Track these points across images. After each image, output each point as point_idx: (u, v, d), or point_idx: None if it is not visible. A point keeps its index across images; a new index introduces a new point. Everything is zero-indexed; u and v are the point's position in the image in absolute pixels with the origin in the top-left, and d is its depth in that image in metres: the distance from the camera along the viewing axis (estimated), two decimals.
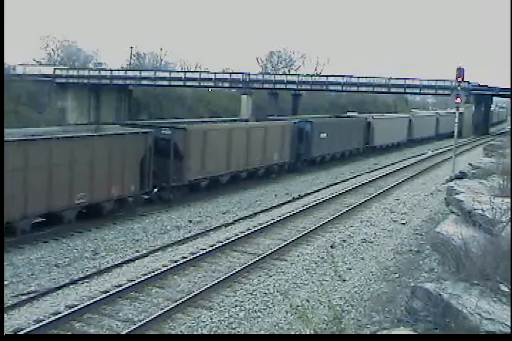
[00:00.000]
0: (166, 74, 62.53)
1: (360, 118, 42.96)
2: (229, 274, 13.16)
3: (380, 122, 45.37)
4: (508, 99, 74.15)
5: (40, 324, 10.20)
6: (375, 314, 11.07)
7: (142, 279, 12.68)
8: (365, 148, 42.22)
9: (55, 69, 62.49)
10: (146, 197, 20.58)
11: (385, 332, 8.51)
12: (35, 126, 33.25)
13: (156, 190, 21.07)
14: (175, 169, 21.42)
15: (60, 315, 10.59)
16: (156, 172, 20.65)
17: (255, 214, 20.70)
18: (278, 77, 63.42)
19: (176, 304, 11.33)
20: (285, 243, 15.91)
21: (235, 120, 33.16)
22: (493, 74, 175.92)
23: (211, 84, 62.23)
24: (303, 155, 32.32)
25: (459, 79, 27.48)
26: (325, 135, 34.06)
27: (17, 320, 10.64)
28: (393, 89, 61.35)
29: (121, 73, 63.80)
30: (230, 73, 64.17)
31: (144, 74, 62.37)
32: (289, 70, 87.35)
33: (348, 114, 50.23)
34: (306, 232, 17.21)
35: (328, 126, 35.39)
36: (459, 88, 28.11)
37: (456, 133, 28.92)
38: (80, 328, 10.43)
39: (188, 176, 22.23)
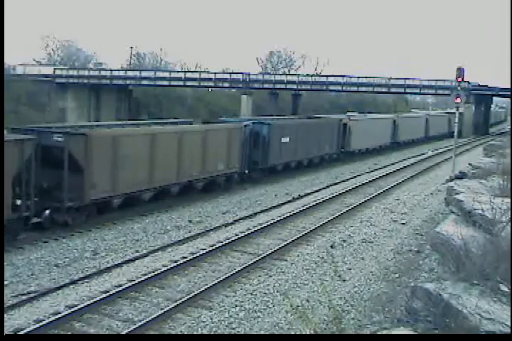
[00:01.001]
0: (166, 74, 62.62)
1: (334, 120, 38.18)
2: (229, 274, 13.16)
3: (359, 123, 40.66)
4: (508, 99, 74.18)
5: (40, 324, 10.19)
6: (375, 314, 11.07)
7: (142, 279, 12.67)
8: (340, 153, 37.65)
9: (55, 69, 62.58)
10: (35, 220, 16.29)
11: (385, 332, 8.51)
12: None
13: (47, 212, 16.74)
14: (72, 185, 16.91)
15: (60, 315, 10.57)
16: (46, 189, 16.74)
17: (255, 214, 20.69)
18: (278, 77, 63.56)
19: (175, 304, 11.33)
20: (285, 243, 15.91)
21: (163, 123, 26.36)
22: (493, 74, 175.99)
23: (211, 84, 62.32)
24: (259, 164, 27.52)
25: (459, 79, 27.49)
26: (287, 139, 29.38)
27: (17, 320, 10.64)
28: (393, 89, 61.44)
29: (121, 73, 63.91)
30: (230, 73, 64.27)
31: (144, 74, 62.47)
32: (289, 70, 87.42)
33: (348, 113, 49.64)
34: (306, 232, 17.21)
35: (292, 129, 30.54)
36: (459, 88, 28.12)
37: (456, 133, 28.94)
38: (80, 328, 10.42)
39: (92, 194, 17.67)
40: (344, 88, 61.59)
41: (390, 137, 47.62)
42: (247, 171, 26.54)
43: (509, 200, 12.78)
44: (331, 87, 61.79)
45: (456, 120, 28.75)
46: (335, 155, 36.84)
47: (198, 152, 22.55)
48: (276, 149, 28.39)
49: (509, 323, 7.59)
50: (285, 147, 29.28)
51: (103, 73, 63.47)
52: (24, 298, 11.88)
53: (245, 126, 26.06)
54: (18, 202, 15.48)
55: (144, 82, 61.67)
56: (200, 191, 23.33)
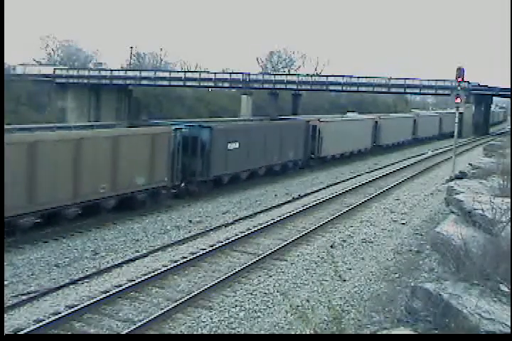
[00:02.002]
0: (166, 74, 62.60)
1: (300, 122, 33.78)
2: (229, 274, 13.16)
3: (332, 125, 36.09)
4: (508, 99, 74.17)
5: (40, 324, 10.19)
6: (375, 314, 11.07)
7: (142, 279, 12.67)
8: (309, 159, 33.28)
9: (55, 69, 62.56)
10: None
11: (385, 332, 8.52)
12: None
13: None
14: None
15: (60, 315, 10.58)
16: None
17: (255, 214, 20.69)
18: (278, 77, 63.49)
19: (175, 304, 11.33)
20: (285, 243, 15.91)
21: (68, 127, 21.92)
22: (493, 74, 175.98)
23: (211, 84, 62.29)
24: (198, 175, 23.14)
25: (459, 79, 27.50)
26: (236, 145, 25.06)
27: (17, 320, 10.64)
28: (393, 89, 61.42)
29: (121, 73, 63.89)
30: (230, 73, 64.23)
31: (144, 74, 62.44)
32: (289, 70, 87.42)
33: (348, 114, 49.40)
34: (306, 232, 17.20)
35: (242, 133, 26.20)
36: (459, 88, 28.13)
37: (456, 133, 28.95)
38: (80, 328, 10.42)
39: None
40: (344, 88, 61.53)
41: (370, 140, 43.31)
42: (182, 184, 22.51)
43: (509, 200, 12.78)
44: (331, 87, 61.75)
45: (456, 120, 28.75)
46: (301, 162, 32.27)
47: (105, 163, 18.01)
48: (220, 157, 23.96)
49: (509, 323, 7.59)
50: (233, 154, 24.83)
51: (103, 73, 63.45)
52: (24, 298, 11.88)
53: (176, 130, 21.52)
54: None
55: (144, 82, 61.65)
56: (112, 211, 18.93)
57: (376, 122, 44.35)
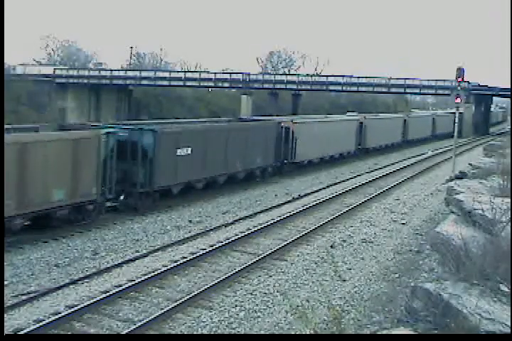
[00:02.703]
0: (166, 74, 62.63)
1: (269, 123, 29.85)
2: (229, 274, 13.16)
3: (308, 128, 32.60)
4: (508, 99, 74.18)
5: (40, 324, 10.19)
6: (375, 314, 11.07)
7: (142, 279, 12.67)
8: (281, 165, 30.02)
9: (55, 69, 62.58)
10: None
11: (385, 332, 8.52)
12: None
13: None
14: None
15: (60, 315, 10.58)
16: None
17: (255, 214, 20.69)
18: (278, 77, 63.55)
19: (175, 304, 11.33)
20: (285, 243, 15.91)
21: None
22: (493, 74, 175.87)
23: (211, 84, 62.33)
24: (139, 186, 19.87)
25: (459, 79, 27.52)
26: (188, 150, 21.80)
27: (17, 320, 10.64)
28: (393, 89, 61.46)
29: (121, 73, 63.93)
30: (230, 73, 64.27)
31: (144, 74, 62.49)
32: (289, 70, 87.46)
33: (348, 114, 48.73)
34: (306, 232, 17.20)
35: (196, 136, 22.69)
36: (459, 88, 28.15)
37: (456, 133, 28.97)
38: (80, 328, 10.42)
39: None
40: (344, 88, 61.57)
41: (355, 143, 39.89)
42: (121, 197, 19.77)
43: (509, 200, 12.78)
44: (331, 87, 61.79)
45: (457, 120, 28.77)
46: (271, 168, 28.93)
47: (8, 176, 15.01)
48: (167, 165, 20.74)
49: (509, 323, 7.59)
50: (184, 161, 21.61)
51: (103, 73, 63.49)
52: (24, 298, 11.88)
53: (109, 134, 18.32)
54: None
55: (144, 82, 61.68)
56: (21, 233, 16.02)
57: (361, 123, 40.74)
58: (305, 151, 31.60)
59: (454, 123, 29.09)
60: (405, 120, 51.34)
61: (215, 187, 24.11)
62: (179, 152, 21.41)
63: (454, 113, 30.24)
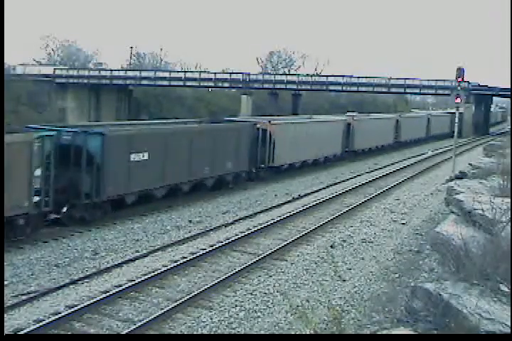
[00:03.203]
0: (166, 74, 62.65)
1: (242, 125, 27.29)
2: (229, 274, 13.16)
3: (289, 129, 30.60)
4: (508, 99, 74.16)
5: (40, 324, 10.20)
6: (375, 314, 11.07)
7: (142, 279, 12.67)
8: (258, 170, 27.95)
9: (55, 69, 62.60)
10: None
11: (385, 332, 8.51)
12: None
13: None
14: None
15: (60, 315, 10.58)
16: None
17: (255, 214, 20.69)
18: (278, 77, 63.58)
19: (176, 304, 11.33)
20: (285, 243, 15.91)
21: None
22: (493, 74, 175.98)
23: (211, 84, 62.35)
24: (84, 197, 17.85)
25: (459, 79, 27.52)
26: (144, 155, 19.68)
27: (17, 320, 10.64)
28: (393, 89, 61.48)
29: (121, 73, 63.95)
30: (230, 73, 64.29)
31: (144, 74, 62.50)
32: (289, 70, 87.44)
33: (348, 113, 48.27)
34: (306, 232, 17.20)
35: (154, 140, 20.38)
36: (459, 88, 28.14)
37: (456, 133, 28.99)
38: (80, 328, 10.43)
39: None
40: (344, 88, 61.59)
41: (341, 145, 37.62)
42: (64, 209, 17.73)
43: (509, 200, 12.78)
44: (331, 87, 61.80)
45: (457, 120, 28.79)
46: (246, 174, 26.63)
47: None
48: (118, 172, 18.76)
49: (509, 323, 7.59)
50: (139, 168, 19.46)
51: (103, 73, 63.49)
52: (24, 298, 11.88)
53: (45, 137, 16.26)
54: None
55: (144, 82, 61.69)
56: None
57: (348, 124, 38.52)
58: (284, 155, 29.39)
59: (454, 123, 29.10)
60: (398, 120, 48.87)
61: (178, 195, 21.96)
62: (133, 157, 19.20)
63: (452, 113, 30.21)
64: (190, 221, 19.45)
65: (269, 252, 14.98)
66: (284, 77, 64.07)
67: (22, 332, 9.80)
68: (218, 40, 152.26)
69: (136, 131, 20.77)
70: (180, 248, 15.89)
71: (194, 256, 14.55)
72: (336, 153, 36.93)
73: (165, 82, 61.14)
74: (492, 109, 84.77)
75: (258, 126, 27.63)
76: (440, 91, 58.38)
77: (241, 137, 25.71)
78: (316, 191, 25.92)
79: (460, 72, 27.35)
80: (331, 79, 61.20)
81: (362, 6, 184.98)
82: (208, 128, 25.23)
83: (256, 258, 14.53)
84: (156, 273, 13.13)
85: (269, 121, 29.12)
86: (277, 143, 28.54)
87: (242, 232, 17.21)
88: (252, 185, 26.48)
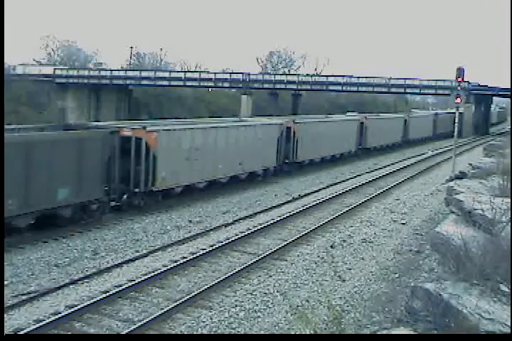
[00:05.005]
0: (166, 74, 62.61)
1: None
2: (229, 274, 13.16)
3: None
4: (508, 99, 74.15)
5: (40, 324, 10.20)
6: (375, 314, 11.06)
7: (142, 279, 12.67)
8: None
9: (55, 69, 62.56)
10: None
11: (385, 332, 8.51)
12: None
13: None
14: None
15: (60, 315, 10.59)
16: None
17: (255, 214, 20.69)
18: (278, 77, 63.55)
19: (175, 304, 11.33)
20: (285, 243, 15.91)
21: None
22: (493, 74, 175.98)
23: (211, 84, 62.32)
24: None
25: (459, 79, 27.49)
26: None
27: (17, 320, 10.64)
28: (393, 89, 61.44)
29: (121, 73, 63.91)
30: (230, 73, 64.27)
31: (144, 74, 62.45)
32: (289, 70, 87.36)
33: (348, 114, 48.54)
34: (306, 232, 17.20)
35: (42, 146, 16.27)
36: (459, 88, 28.12)
37: (456, 133, 28.96)
38: (80, 328, 10.43)
39: None
40: (344, 88, 61.55)
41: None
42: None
43: (509, 200, 12.77)
44: (331, 87, 61.77)
45: (457, 120, 28.77)
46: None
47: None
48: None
49: (509, 323, 7.59)
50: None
51: (103, 73, 63.45)
52: (24, 298, 11.89)
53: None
54: None
55: (144, 82, 61.66)
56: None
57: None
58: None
59: (454, 123, 29.10)
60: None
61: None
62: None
63: (455, 113, 30.22)
64: (190, 221, 19.45)
65: (269, 252, 14.98)
66: (284, 77, 64.04)
67: (22, 332, 9.80)
68: (218, 40, 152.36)
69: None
70: (180, 248, 15.89)
71: (194, 256, 14.55)
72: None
73: (165, 82, 61.11)
74: (492, 109, 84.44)
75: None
76: (440, 91, 58.36)
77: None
78: (316, 191, 25.91)
79: (460, 72, 27.33)
80: (331, 79, 61.17)
81: (362, 6, 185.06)
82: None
83: (256, 258, 14.53)
84: (156, 273, 13.13)
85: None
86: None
87: (242, 232, 17.21)
88: (252, 185, 26.49)
